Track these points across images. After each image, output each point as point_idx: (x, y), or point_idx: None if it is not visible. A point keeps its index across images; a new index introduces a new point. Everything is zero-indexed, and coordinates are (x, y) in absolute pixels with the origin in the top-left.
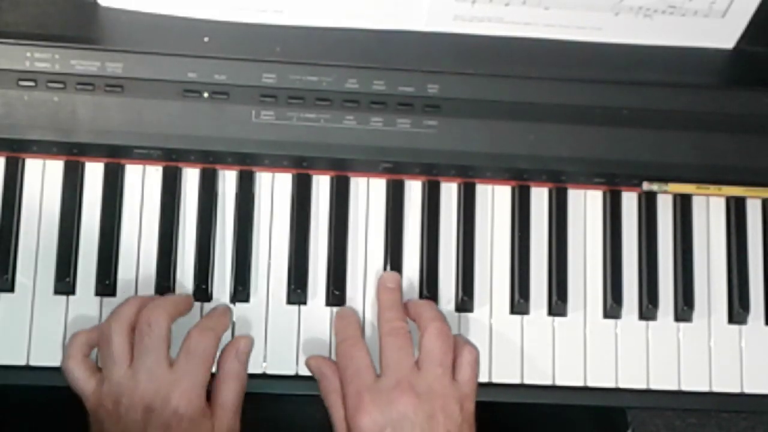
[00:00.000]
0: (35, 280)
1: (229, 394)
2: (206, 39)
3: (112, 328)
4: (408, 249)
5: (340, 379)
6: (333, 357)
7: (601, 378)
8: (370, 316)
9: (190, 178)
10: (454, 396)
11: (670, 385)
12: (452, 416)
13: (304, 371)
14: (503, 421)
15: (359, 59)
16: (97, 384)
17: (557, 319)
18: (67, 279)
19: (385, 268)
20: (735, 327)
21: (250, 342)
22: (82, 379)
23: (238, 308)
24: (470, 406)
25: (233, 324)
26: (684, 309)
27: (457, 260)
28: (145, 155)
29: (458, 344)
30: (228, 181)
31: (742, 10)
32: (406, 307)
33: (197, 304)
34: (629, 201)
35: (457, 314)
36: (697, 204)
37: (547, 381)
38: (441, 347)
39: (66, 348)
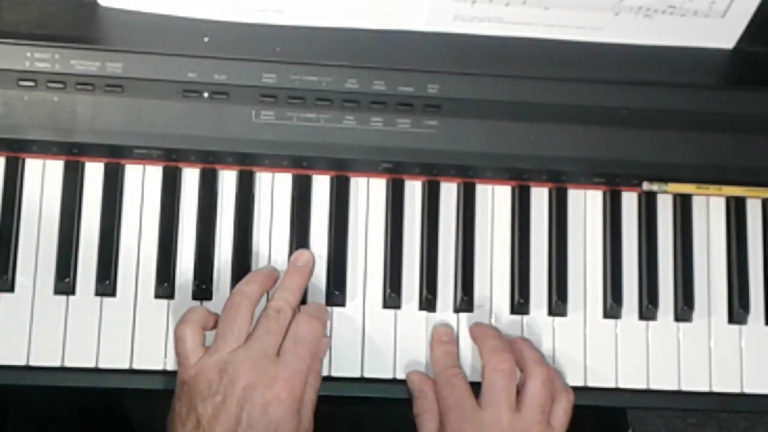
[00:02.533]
0: (35, 280)
1: (311, 392)
2: (206, 39)
3: (242, 303)
4: (408, 249)
5: (438, 405)
6: (334, 357)
7: (601, 378)
8: (369, 316)
9: (190, 178)
10: None
11: (670, 385)
12: None
13: None
14: None
15: (359, 59)
16: (204, 355)
17: (557, 319)
18: (67, 279)
19: (385, 268)
20: (735, 327)
21: (328, 344)
22: (191, 347)
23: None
24: None
25: None
26: (684, 309)
27: (456, 260)
28: (145, 155)
29: (557, 388)
30: (228, 181)
31: (742, 10)
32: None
33: (197, 304)
34: (629, 201)
35: (456, 315)
36: (697, 204)
37: None
38: (544, 394)
39: (185, 314)
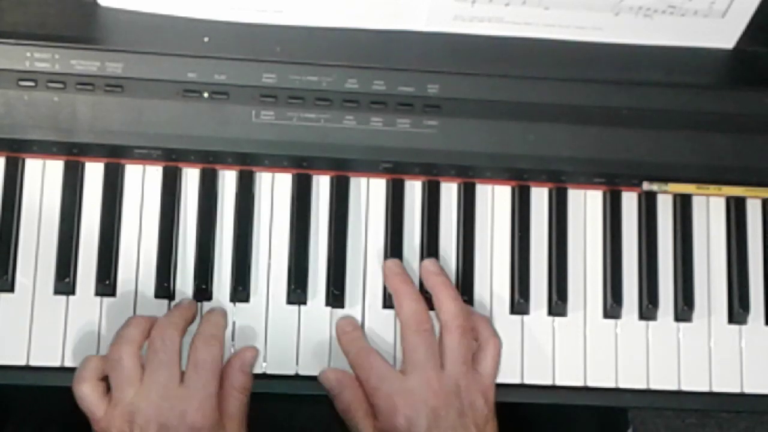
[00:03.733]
0: (35, 280)
1: (237, 405)
2: (206, 39)
3: (122, 350)
4: (408, 249)
5: (363, 389)
6: (332, 356)
7: (601, 378)
8: (369, 316)
9: (190, 178)
10: (479, 389)
11: (670, 385)
12: (479, 409)
13: (305, 371)
14: (504, 421)
15: (359, 59)
16: (108, 406)
17: (557, 319)
18: (67, 279)
19: None
20: (735, 327)
21: (256, 353)
22: (95, 402)
23: (238, 308)
24: (492, 397)
25: (233, 324)
26: (684, 309)
27: (457, 260)
28: (145, 155)
29: (481, 336)
30: (228, 181)
31: (742, 10)
32: (421, 272)
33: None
34: (629, 201)
35: None
36: (697, 204)
37: (547, 381)
38: (464, 345)
39: (78, 371)
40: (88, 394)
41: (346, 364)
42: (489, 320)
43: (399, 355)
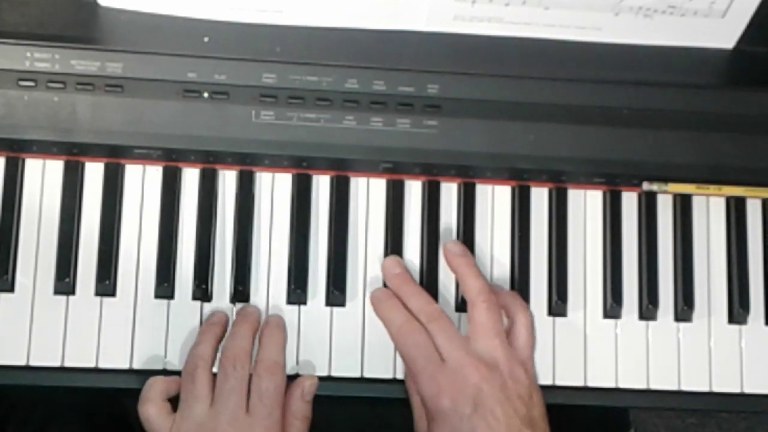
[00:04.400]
0: (35, 280)
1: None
2: (206, 39)
3: (197, 365)
4: (408, 249)
5: (409, 367)
6: (333, 357)
7: (601, 378)
8: (369, 316)
9: (190, 178)
10: (517, 361)
11: (670, 385)
12: (520, 380)
13: (304, 371)
14: None
15: (359, 59)
16: (173, 424)
17: (557, 319)
18: (67, 279)
19: None
20: (735, 327)
21: (316, 382)
22: (160, 424)
23: (238, 308)
24: (532, 369)
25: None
26: (684, 309)
27: None
28: (145, 155)
29: (511, 310)
30: (228, 181)
31: (742, 10)
32: (444, 253)
33: (197, 304)
34: (629, 201)
35: (457, 314)
36: (697, 204)
37: (547, 381)
38: (493, 319)
39: (143, 392)
40: (154, 415)
41: (347, 363)
42: (517, 295)
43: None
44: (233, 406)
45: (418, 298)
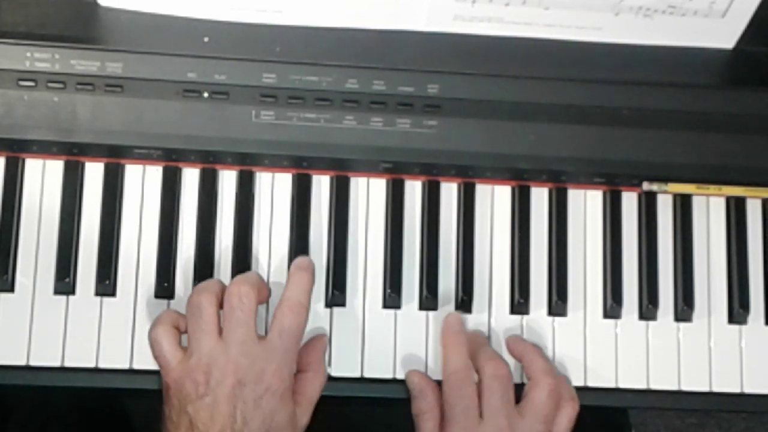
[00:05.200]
0: (35, 280)
1: (316, 387)
2: (206, 39)
3: (202, 297)
4: (408, 249)
5: (444, 409)
6: (332, 357)
7: (601, 378)
8: (370, 316)
9: (190, 178)
10: None
11: (670, 385)
12: None
13: None
14: None
15: (359, 59)
16: (183, 357)
17: (557, 319)
18: (67, 279)
19: (385, 268)
20: (735, 327)
21: (326, 343)
22: (170, 349)
23: None
24: None
25: None
26: (684, 309)
27: (456, 260)
28: (145, 155)
29: (563, 397)
30: (228, 181)
31: (742, 10)
32: (507, 343)
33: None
34: (629, 201)
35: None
36: (697, 204)
37: None
38: (549, 404)
39: (156, 319)
40: (162, 337)
41: (347, 363)
42: (569, 382)
43: (399, 355)
44: (242, 337)
45: (492, 353)
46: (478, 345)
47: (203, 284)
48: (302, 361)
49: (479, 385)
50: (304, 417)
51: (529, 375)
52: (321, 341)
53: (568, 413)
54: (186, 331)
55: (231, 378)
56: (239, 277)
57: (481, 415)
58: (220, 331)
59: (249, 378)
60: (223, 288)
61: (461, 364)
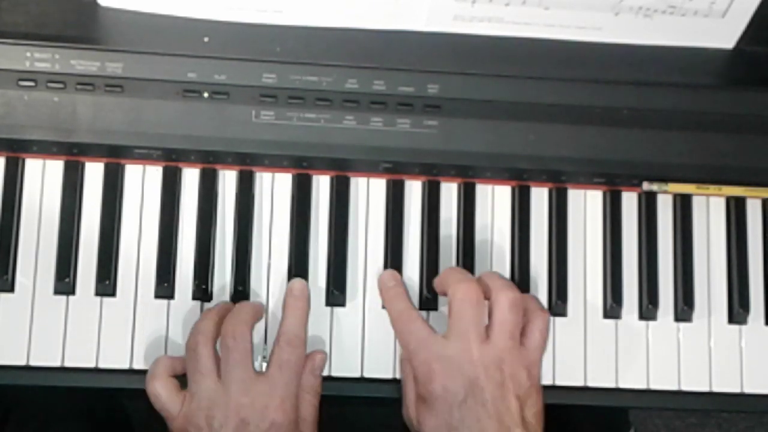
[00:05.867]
0: (35, 280)
1: (309, 408)
2: (206, 39)
3: (198, 341)
4: (408, 249)
5: (403, 351)
6: (333, 357)
7: (601, 378)
8: (369, 316)
9: (190, 178)
10: (523, 363)
11: (670, 385)
12: (520, 382)
13: None
14: None
15: (359, 59)
16: (184, 402)
17: (558, 319)
18: (67, 279)
19: (385, 268)
20: (735, 327)
21: (325, 357)
22: (168, 400)
23: None
24: (537, 372)
25: None
26: (684, 309)
27: (456, 260)
28: (145, 155)
29: (529, 310)
30: (228, 181)
31: (742, 10)
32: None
33: (197, 304)
34: (629, 201)
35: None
36: (697, 204)
37: (547, 381)
38: (513, 319)
39: (150, 371)
40: (161, 391)
41: (347, 363)
42: (536, 297)
43: (398, 355)
44: (240, 376)
45: (462, 279)
46: (448, 273)
47: (198, 324)
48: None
49: (449, 310)
50: None
51: (488, 296)
52: (310, 359)
53: (539, 325)
54: (183, 372)
55: (234, 418)
56: (232, 314)
57: (448, 338)
58: (219, 371)
59: (252, 416)
60: (219, 322)
61: (399, 307)
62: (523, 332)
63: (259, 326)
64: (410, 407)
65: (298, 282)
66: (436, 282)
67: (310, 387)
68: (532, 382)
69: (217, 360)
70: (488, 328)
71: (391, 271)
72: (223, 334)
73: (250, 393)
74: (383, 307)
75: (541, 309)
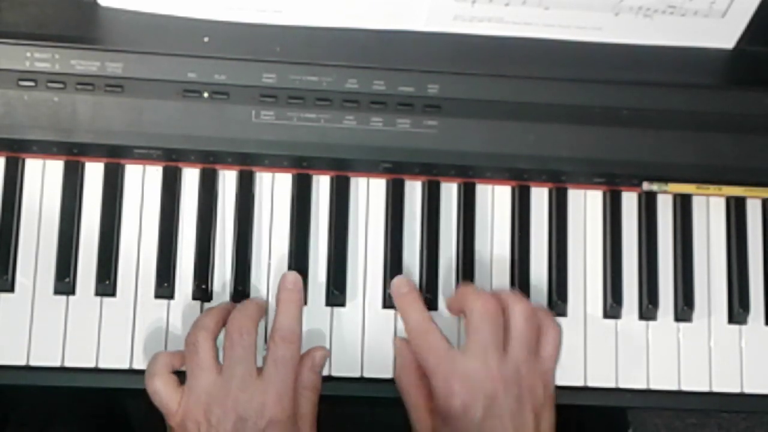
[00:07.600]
0: (35, 280)
1: (308, 404)
2: (206, 39)
3: (198, 336)
4: (408, 249)
5: (421, 366)
6: (334, 357)
7: (601, 378)
8: (369, 316)
9: (190, 178)
10: (539, 376)
11: (670, 385)
12: (536, 395)
13: None
14: None
15: (359, 59)
16: (182, 397)
17: (557, 319)
18: (67, 279)
19: (385, 268)
20: (735, 327)
21: (326, 354)
22: (169, 396)
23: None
24: (551, 383)
25: None
26: (684, 309)
27: (457, 260)
28: (145, 155)
29: (541, 321)
30: (228, 181)
31: (742, 10)
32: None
33: (197, 304)
34: (629, 201)
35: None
36: (697, 204)
37: None
38: (529, 331)
39: (148, 368)
40: (161, 387)
41: (347, 363)
42: (548, 310)
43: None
44: (242, 373)
45: (480, 296)
46: (464, 290)
47: (200, 320)
48: (295, 380)
49: (467, 325)
50: None
51: (503, 309)
52: (309, 355)
53: (553, 337)
54: (182, 367)
55: (232, 414)
56: (239, 309)
57: (466, 353)
58: (218, 367)
59: (250, 413)
60: (221, 320)
61: (417, 318)
62: (537, 345)
63: (260, 326)
64: (422, 421)
65: (291, 274)
66: (451, 301)
67: (309, 383)
68: (547, 395)
69: (216, 354)
70: (505, 341)
71: (404, 277)
72: (228, 329)
73: (249, 390)
74: (383, 307)
75: (554, 321)
